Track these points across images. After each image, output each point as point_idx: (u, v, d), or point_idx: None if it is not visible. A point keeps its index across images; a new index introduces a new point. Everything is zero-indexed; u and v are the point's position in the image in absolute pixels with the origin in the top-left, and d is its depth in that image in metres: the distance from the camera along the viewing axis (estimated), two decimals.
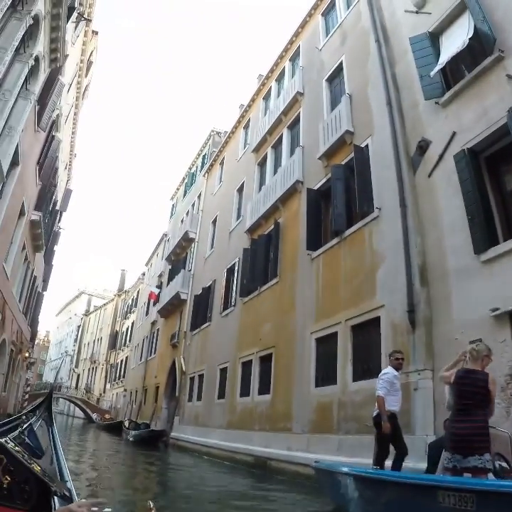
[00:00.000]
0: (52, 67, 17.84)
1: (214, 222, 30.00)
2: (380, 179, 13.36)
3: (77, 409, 65.57)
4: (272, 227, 19.52)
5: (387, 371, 8.51)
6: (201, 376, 24.84)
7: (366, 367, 11.89)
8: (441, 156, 11.27)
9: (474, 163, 10.29)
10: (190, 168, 42.37)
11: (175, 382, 30.31)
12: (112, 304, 74.76)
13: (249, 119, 28.46)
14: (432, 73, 11.87)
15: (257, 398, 17.47)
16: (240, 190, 26.36)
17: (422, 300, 10.63)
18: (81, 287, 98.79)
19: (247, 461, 16.14)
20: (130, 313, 59.63)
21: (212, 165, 34.37)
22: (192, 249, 33.68)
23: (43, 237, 26.34)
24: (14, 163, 16.17)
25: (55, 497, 3.09)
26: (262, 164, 23.87)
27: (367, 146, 14.43)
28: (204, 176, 35.67)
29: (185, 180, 43.31)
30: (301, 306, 15.70)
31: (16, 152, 15.57)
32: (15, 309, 24.04)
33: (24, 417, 6.43)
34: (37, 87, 16.31)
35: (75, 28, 21.96)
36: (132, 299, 60.31)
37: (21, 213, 20.31)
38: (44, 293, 40.51)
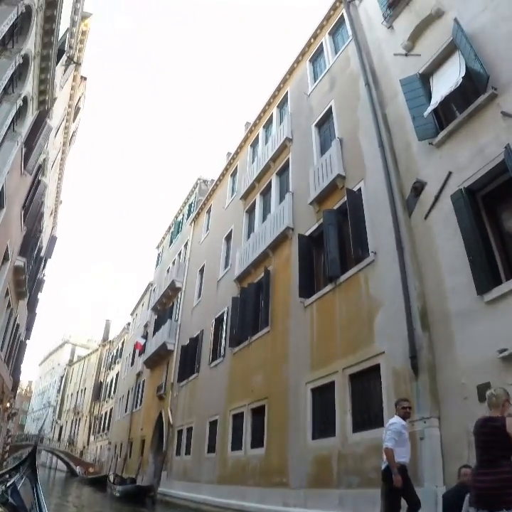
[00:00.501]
0: (40, 109, 17.69)
1: (201, 271, 29.58)
2: (375, 222, 13.08)
3: (59, 461, 64.28)
4: (262, 275, 19.12)
5: (395, 421, 8.02)
6: (190, 429, 23.97)
7: (367, 417, 11.32)
8: (437, 197, 11.08)
9: (472, 202, 10.10)
10: (176, 217, 42.35)
11: (162, 435, 29.35)
12: (96, 354, 73.85)
13: (237, 167, 28.43)
14: (426, 113, 11.84)
15: (250, 452, 16.68)
16: (228, 238, 26.01)
17: (424, 345, 10.18)
18: (65, 337, 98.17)
19: None
20: (115, 363, 58.78)
21: (198, 213, 34.26)
22: (179, 299, 33.23)
23: (27, 284, 25.91)
24: None
25: None
26: (251, 211, 23.65)
27: (359, 189, 14.21)
28: (191, 224, 35.51)
29: (172, 229, 43.22)
30: (295, 356, 15.13)
31: (1, 194, 15.42)
32: None
33: (7, 475, 6.31)
34: (24, 128, 16.18)
35: (64, 71, 21.89)
36: (117, 350, 59.55)
37: (5, 258, 19.89)
38: (27, 342, 39.79)
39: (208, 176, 38.01)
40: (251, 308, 19.20)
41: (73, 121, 30.65)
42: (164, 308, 36.60)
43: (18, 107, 14.48)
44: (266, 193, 22.38)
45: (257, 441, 16.35)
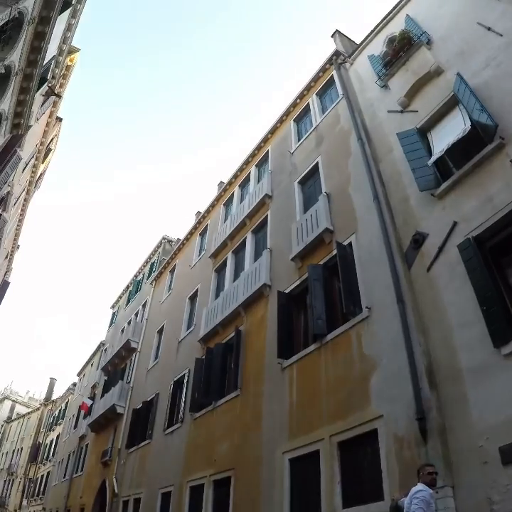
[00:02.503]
0: (12, 134, 17.01)
1: (160, 331, 28.47)
2: (369, 277, 12.22)
3: None
4: (232, 335, 17.91)
5: (421, 488, 6.79)
6: (138, 500, 21.94)
7: (360, 489, 9.79)
8: (441, 248, 10.47)
9: (482, 251, 9.50)
10: (136, 276, 41.79)
11: (103, 504, 27.44)
12: (37, 413, 71.40)
13: (207, 225, 28.10)
14: (430, 162, 11.77)
15: None
16: (193, 297, 25.09)
17: (432, 405, 8.98)
18: (5, 392, 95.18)
19: None
20: (56, 424, 56.42)
21: (161, 273, 33.60)
22: (133, 360, 31.82)
23: None
24: None
25: None
26: (220, 270, 22.84)
27: (350, 243, 13.46)
28: (151, 283, 34.74)
29: (130, 288, 42.39)
30: (269, 422, 13.64)
31: None
32: None
33: None
34: None
35: (43, 103, 21.42)
36: (60, 410, 57.45)
37: None
38: None
39: (174, 236, 37.92)
40: (217, 371, 17.85)
41: (43, 162, 30.21)
42: (116, 369, 35.13)
43: None
44: (239, 251, 21.68)
45: None
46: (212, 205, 28.58)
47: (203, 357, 19.54)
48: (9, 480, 71.87)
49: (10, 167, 18.34)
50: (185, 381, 21.13)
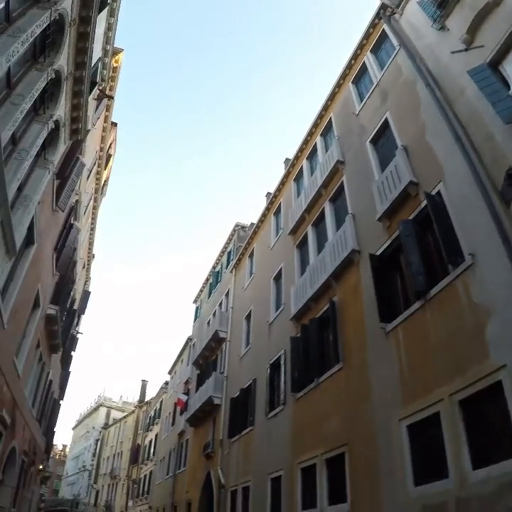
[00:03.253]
0: (73, 139, 16.94)
1: (247, 317, 28.19)
2: (465, 222, 11.42)
3: None
4: (326, 308, 17.29)
5: None
6: (246, 489, 21.68)
7: (490, 448, 9.00)
8: None
9: None
10: (214, 268, 41.89)
11: (211, 497, 27.20)
12: (132, 416, 72.58)
13: (280, 204, 27.77)
14: None
15: (328, 510, 14.23)
16: (277, 278, 24.69)
17: None
18: (99, 399, 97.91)
19: None
20: (153, 425, 57.32)
21: (239, 259, 33.47)
22: (223, 350, 31.65)
23: (60, 336, 24.69)
24: (29, 241, 14.97)
25: None
26: (302, 245, 22.33)
27: (438, 192, 12.67)
28: (231, 272, 34.59)
29: (210, 281, 42.45)
30: (379, 390, 12.97)
31: (32, 229, 14.35)
32: (27, 414, 21.84)
33: None
34: (56, 157, 15.19)
35: (96, 108, 21.32)
36: (155, 410, 58.20)
37: (36, 304, 18.69)
38: (61, 402, 38.47)
39: (246, 221, 37.80)
40: (315, 346, 17.31)
41: (105, 168, 30.45)
42: (207, 362, 35.12)
43: (49, 129, 13.44)
44: (318, 222, 21.15)
45: (337, 497, 13.89)
46: (282, 183, 28.24)
47: (298, 335, 19.09)
48: (113, 484, 73.24)
49: (75, 174, 18.31)
50: (281, 362, 20.64)
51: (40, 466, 32.08)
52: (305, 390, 17.52)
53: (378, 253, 14.71)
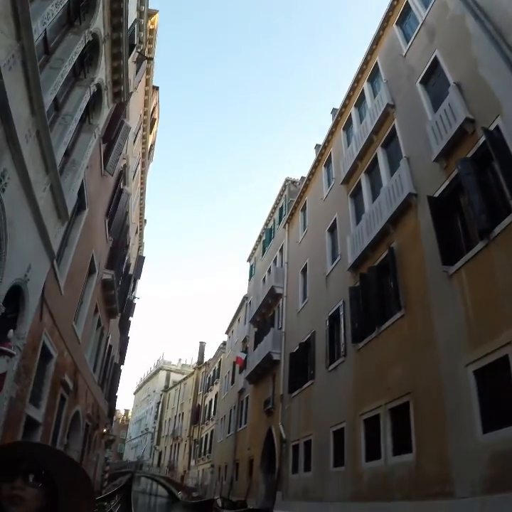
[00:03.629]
0: (116, 103, 16.76)
1: (303, 271, 27.99)
2: None
3: (160, 487, 63.39)
4: (385, 255, 16.88)
5: None
6: (308, 443, 21.53)
7: None
8: None
9: None
10: (266, 225, 41.75)
11: (273, 452, 27.31)
12: (191, 377, 73.91)
13: (330, 155, 27.51)
14: None
15: (393, 460, 13.90)
16: (332, 229, 24.39)
17: None
18: (158, 363, 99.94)
19: None
20: (212, 385, 58.17)
21: (292, 214, 33.24)
22: (280, 306, 31.68)
23: (117, 300, 24.94)
24: (81, 206, 15.07)
25: None
26: (356, 194, 21.91)
27: (497, 127, 11.99)
28: (284, 227, 34.42)
29: (263, 238, 42.40)
30: (444, 336, 12.50)
31: (82, 194, 14.50)
32: (89, 379, 22.31)
33: (105, 502, 5.21)
34: (100, 121, 15.09)
35: (137, 71, 21.08)
36: (214, 371, 59.00)
37: (91, 270, 18.96)
38: (121, 367, 39.01)
39: (296, 176, 37.51)
40: (375, 295, 16.91)
41: (150, 132, 30.36)
42: (264, 319, 35.17)
43: (91, 92, 13.31)
44: (371, 169, 20.69)
45: (402, 446, 13.55)
46: (331, 134, 27.89)
47: (357, 285, 18.76)
48: (175, 444, 74.93)
49: (121, 138, 18.24)
50: (340, 314, 20.36)
51: (104, 430, 32.72)
52: (366, 339, 17.20)
53: (436, 195, 14.16)
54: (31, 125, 8.80)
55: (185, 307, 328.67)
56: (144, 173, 32.46)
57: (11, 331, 7.43)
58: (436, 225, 13.58)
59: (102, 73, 14.13)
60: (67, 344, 16.05)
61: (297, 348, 25.40)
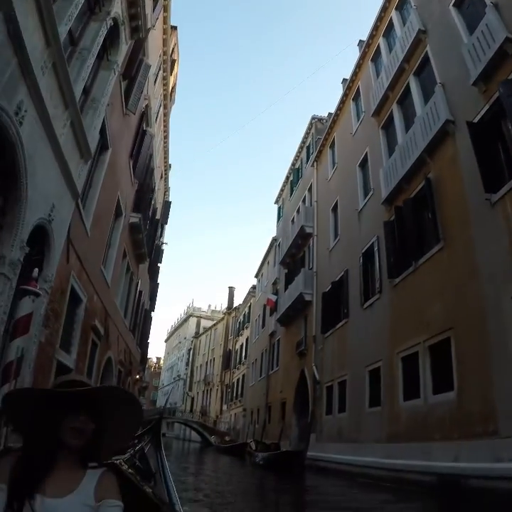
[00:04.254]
0: (134, 39, 16.23)
1: (334, 208, 27.43)
2: None
3: (193, 432, 64.50)
4: (421, 186, 16.20)
5: None
6: (342, 383, 21.37)
7: None
8: None
9: None
10: (293, 165, 40.94)
11: (306, 394, 27.15)
12: (222, 323, 74.54)
13: (359, 88, 26.65)
14: None
15: (433, 399, 13.52)
16: (363, 164, 23.67)
17: None
18: (188, 310, 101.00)
19: (424, 481, 12.32)
20: (243, 329, 58.56)
21: (320, 152, 32.52)
22: (310, 246, 31.28)
23: (145, 245, 24.73)
24: (103, 146, 14.79)
25: None
26: (388, 126, 21.15)
27: None
28: (312, 165, 33.60)
29: (290, 178, 41.68)
30: (487, 268, 11.92)
31: (104, 133, 14.41)
32: (120, 325, 22.29)
33: (136, 440, 6.29)
34: (119, 58, 14.55)
35: (153, 9, 20.45)
36: (244, 315, 59.36)
37: (118, 213, 18.72)
38: (152, 313, 39.03)
39: (322, 113, 36.65)
40: (411, 228, 16.34)
41: (171, 73, 29.83)
42: (294, 260, 34.76)
43: (108, 26, 12.74)
44: (404, 99, 19.85)
45: (442, 385, 13.14)
46: (359, 66, 26.89)
47: (392, 218, 18.16)
48: (207, 390, 76.12)
49: (141, 76, 17.85)
50: (375, 249, 19.90)
51: (137, 377, 32.94)
52: (403, 275, 16.71)
53: (476, 120, 13.40)
54: (47, 57, 8.47)
55: (213, 255, 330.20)
56: (166, 115, 31.87)
57: (36, 269, 7.12)
58: (477, 151, 12.87)
59: (117, 7, 13.65)
60: (97, 288, 15.91)
61: (329, 287, 25.01)
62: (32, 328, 8.27)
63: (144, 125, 22.21)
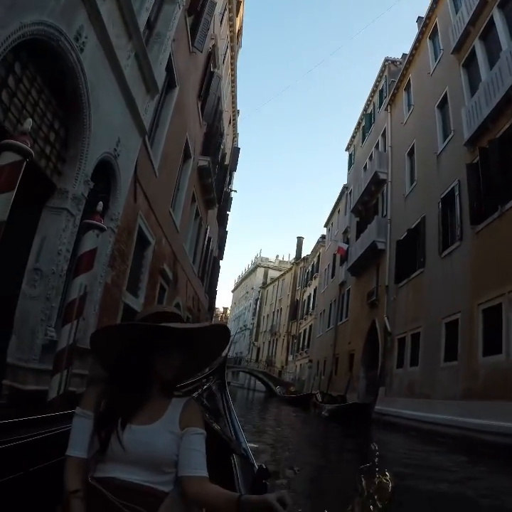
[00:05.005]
0: None
1: (410, 153, 26.36)
2: None
3: (257, 382, 65.16)
4: (509, 125, 15.07)
5: None
6: (415, 335, 20.75)
7: None
8: None
9: None
10: (365, 110, 39.97)
11: (375, 346, 26.63)
12: (290, 273, 74.34)
13: (436, 25, 25.12)
14: None
15: None
16: (442, 104, 22.50)
17: None
18: (256, 260, 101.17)
19: (501, 443, 11.63)
20: (311, 279, 58.14)
21: (394, 94, 31.33)
22: (384, 192, 30.34)
23: (215, 190, 24.44)
24: (170, 83, 14.55)
25: (234, 454, 3.31)
26: (469, 63, 19.84)
27: None
28: (386, 109, 32.54)
29: (362, 124, 40.61)
30: None
31: (171, 70, 14.18)
32: (189, 270, 22.19)
33: (204, 379, 6.14)
34: None
35: None
36: (312, 265, 58.87)
37: (186, 155, 18.45)
38: (220, 261, 39.04)
39: (395, 55, 35.16)
40: (498, 170, 15.20)
41: (237, 15, 29.20)
42: (367, 207, 33.87)
43: None
44: (487, 34, 18.44)
45: None
46: (436, 2, 25.07)
47: (475, 161, 17.06)
48: (273, 340, 76.74)
49: (207, 13, 17.45)
50: (455, 194, 18.84)
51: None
52: (487, 220, 15.70)
53: None
54: None
55: (281, 207, 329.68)
56: (233, 58, 31.47)
57: (100, 203, 6.64)
58: None
59: None
60: (165, 231, 15.79)
61: (405, 235, 24.17)
62: (96, 266, 8.09)
63: (212, 66, 21.79)
